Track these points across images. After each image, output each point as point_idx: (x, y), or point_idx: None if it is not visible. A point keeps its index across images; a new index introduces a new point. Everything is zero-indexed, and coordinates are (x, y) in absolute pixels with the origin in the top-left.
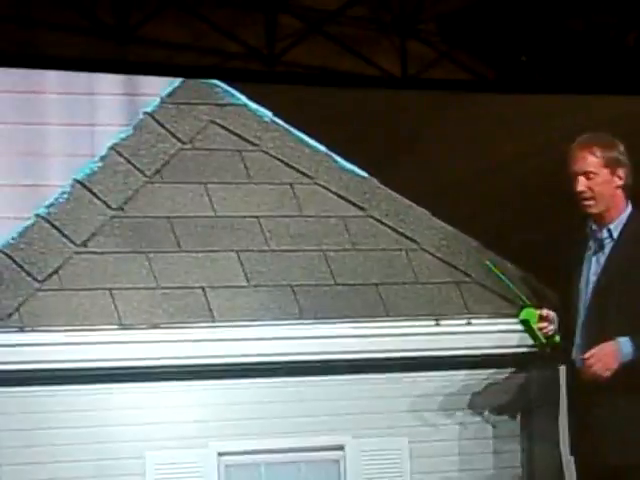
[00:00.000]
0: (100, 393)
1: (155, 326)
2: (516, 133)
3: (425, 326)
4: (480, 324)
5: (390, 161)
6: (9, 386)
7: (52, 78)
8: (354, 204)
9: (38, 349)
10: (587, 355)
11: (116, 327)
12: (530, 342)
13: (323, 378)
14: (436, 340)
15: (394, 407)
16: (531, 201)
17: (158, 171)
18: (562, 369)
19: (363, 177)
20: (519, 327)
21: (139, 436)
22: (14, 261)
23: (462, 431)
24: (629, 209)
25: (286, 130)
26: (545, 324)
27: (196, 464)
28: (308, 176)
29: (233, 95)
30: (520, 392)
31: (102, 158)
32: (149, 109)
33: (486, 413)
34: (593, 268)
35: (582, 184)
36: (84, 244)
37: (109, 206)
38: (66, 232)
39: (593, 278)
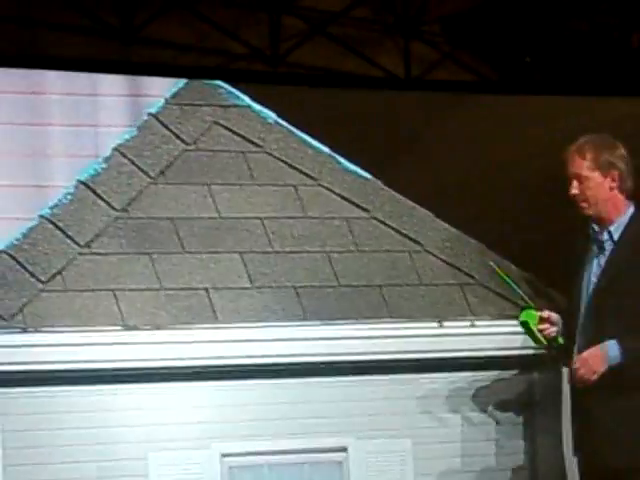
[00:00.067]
0: (103, 394)
1: (159, 327)
2: (520, 134)
3: (429, 328)
4: (484, 326)
5: (394, 162)
6: (12, 387)
7: (56, 79)
8: (358, 205)
9: (41, 350)
10: (575, 360)
11: (120, 328)
12: (533, 344)
13: (326, 379)
14: (440, 342)
15: (397, 409)
16: (535, 202)
17: (162, 172)
18: (565, 371)
19: (367, 178)
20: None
21: (142, 437)
22: (18, 262)
23: (466, 433)
24: (630, 211)
25: (290, 131)
26: (546, 325)
27: (199, 465)
28: (312, 177)
29: (237, 96)
30: (524, 394)
31: (106, 159)
32: (153, 110)
33: (490, 415)
34: (594, 270)
35: (575, 187)
36: (88, 245)
37: (113, 207)
38: (70, 233)
39: (593, 280)
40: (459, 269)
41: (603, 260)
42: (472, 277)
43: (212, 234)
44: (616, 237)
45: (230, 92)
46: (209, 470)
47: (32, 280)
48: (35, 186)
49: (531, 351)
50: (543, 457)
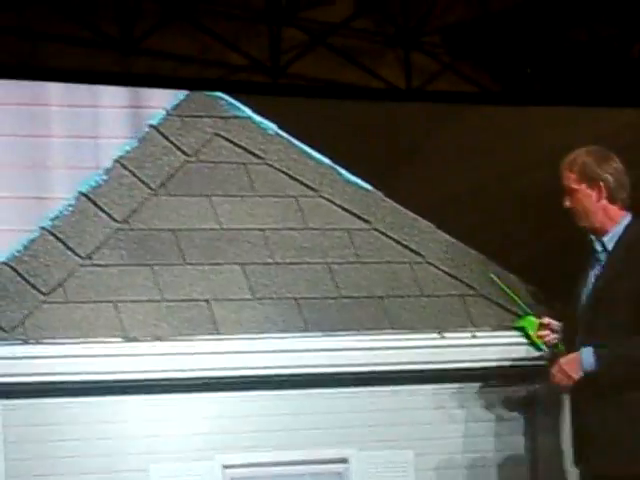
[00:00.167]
0: (105, 405)
1: (160, 339)
2: (520, 145)
3: (430, 339)
4: (485, 337)
5: (395, 173)
6: (14, 398)
7: (56, 90)
8: (359, 217)
9: (42, 361)
10: (553, 366)
11: (121, 340)
12: (535, 354)
13: (328, 391)
14: (441, 353)
15: (399, 420)
16: (536, 213)
17: (163, 184)
18: None
19: (367, 190)
20: (524, 339)
21: (143, 449)
22: (19, 274)
23: (467, 444)
24: (625, 221)
25: (291, 143)
26: (546, 332)
27: (201, 477)
28: (313, 189)
29: (238, 108)
30: (525, 405)
31: (107, 171)
32: (154, 122)
33: (491, 426)
34: (591, 280)
35: (567, 200)
36: (89, 257)
37: (114, 219)
38: (71, 245)
39: (589, 290)
40: (460, 280)
41: (598, 271)
42: (473, 288)
43: (213, 245)
44: (610, 247)
45: (231, 104)
46: None
47: (33, 292)
48: (36, 198)
49: (532, 362)
50: (545, 468)
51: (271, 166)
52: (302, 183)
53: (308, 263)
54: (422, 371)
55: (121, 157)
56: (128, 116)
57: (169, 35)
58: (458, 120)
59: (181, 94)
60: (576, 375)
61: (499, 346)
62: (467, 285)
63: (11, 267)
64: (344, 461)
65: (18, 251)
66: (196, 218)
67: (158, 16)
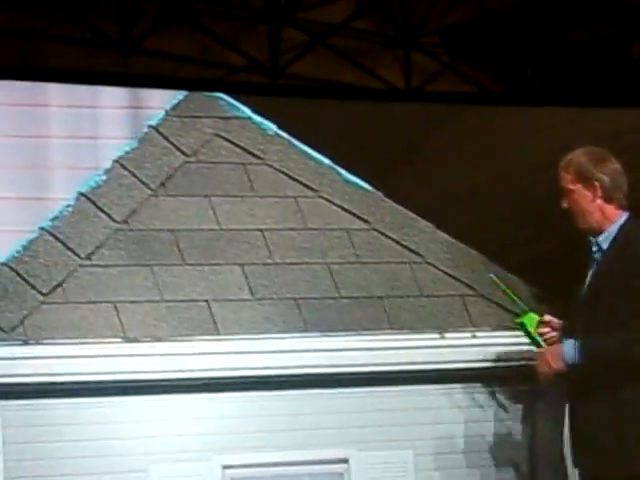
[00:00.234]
0: (104, 406)
1: (159, 339)
2: (520, 145)
3: (430, 339)
4: (485, 337)
5: (394, 174)
6: (13, 399)
7: (56, 91)
8: (358, 217)
9: (42, 362)
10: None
11: (120, 340)
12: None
13: (327, 391)
14: (441, 353)
15: (399, 420)
16: (536, 213)
17: (162, 184)
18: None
19: (367, 190)
20: (524, 340)
21: (143, 449)
22: (18, 274)
23: (467, 444)
24: (621, 220)
25: (290, 143)
26: (547, 330)
27: (200, 477)
28: (312, 189)
29: (237, 108)
30: (525, 405)
31: (106, 171)
32: (153, 122)
33: (491, 426)
34: (587, 279)
35: (565, 201)
36: (88, 257)
37: (113, 219)
38: (70, 245)
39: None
40: (460, 280)
41: (594, 270)
42: (473, 288)
43: (213, 246)
44: (604, 247)
45: (230, 104)
46: None
47: (33, 292)
48: (35, 198)
49: (533, 362)
50: (545, 469)
51: (271, 166)
52: (301, 183)
53: (307, 263)
54: (422, 371)
55: (121, 157)
56: (128, 116)
57: (168, 36)
58: (458, 120)
59: (180, 94)
60: (556, 365)
61: (499, 346)
62: (467, 285)
63: (10, 267)
64: (345, 461)
65: (18, 251)
66: (195, 218)
67: (158, 17)
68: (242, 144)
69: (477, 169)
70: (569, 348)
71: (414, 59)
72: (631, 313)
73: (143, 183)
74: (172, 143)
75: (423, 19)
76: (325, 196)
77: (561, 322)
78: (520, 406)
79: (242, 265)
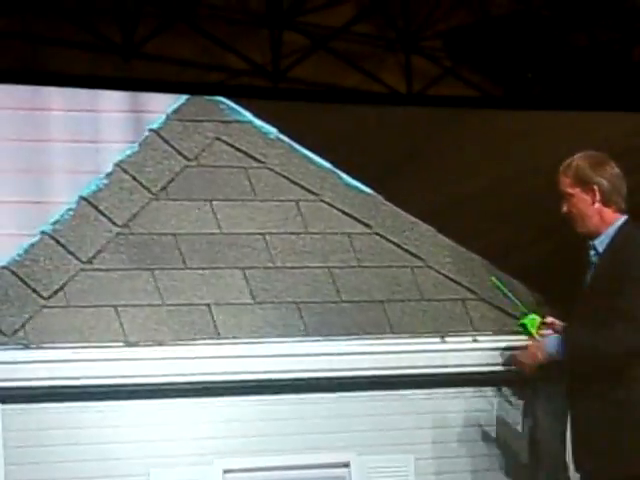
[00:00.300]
0: (105, 410)
1: (160, 343)
2: (521, 149)
3: (431, 343)
4: (486, 341)
5: (395, 177)
6: (15, 403)
7: (57, 95)
8: (359, 221)
9: (43, 366)
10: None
11: (121, 344)
12: None
13: (328, 395)
14: (442, 357)
15: (400, 424)
16: (537, 217)
17: (164, 188)
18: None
19: (368, 194)
20: (526, 343)
21: (144, 453)
22: (19, 278)
23: (468, 448)
24: (619, 223)
25: (291, 147)
26: (549, 331)
27: None
28: (313, 193)
29: (238, 112)
30: (527, 409)
31: (107, 175)
32: (154, 126)
33: (492, 430)
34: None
35: (564, 206)
36: (89, 261)
37: (115, 223)
38: (71, 249)
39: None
40: (461, 284)
41: (591, 273)
42: (474, 292)
43: (214, 250)
44: (600, 250)
45: (232, 108)
46: None
47: (34, 296)
48: (36, 202)
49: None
50: (548, 473)
51: (272, 170)
52: (303, 187)
53: (308, 267)
54: (423, 375)
55: (122, 161)
56: (129, 120)
57: (170, 39)
58: (459, 124)
59: (182, 98)
60: (539, 355)
61: (500, 350)
62: (468, 289)
63: (12, 271)
64: (345, 465)
65: (19, 255)
66: (197, 222)
67: (159, 20)
68: (243, 148)
69: (478, 173)
70: (552, 340)
71: (415, 63)
72: (621, 315)
73: (144, 187)
74: (173, 147)
75: (424, 23)
76: (326, 200)
77: (564, 324)
78: (522, 410)
79: (243, 269)
